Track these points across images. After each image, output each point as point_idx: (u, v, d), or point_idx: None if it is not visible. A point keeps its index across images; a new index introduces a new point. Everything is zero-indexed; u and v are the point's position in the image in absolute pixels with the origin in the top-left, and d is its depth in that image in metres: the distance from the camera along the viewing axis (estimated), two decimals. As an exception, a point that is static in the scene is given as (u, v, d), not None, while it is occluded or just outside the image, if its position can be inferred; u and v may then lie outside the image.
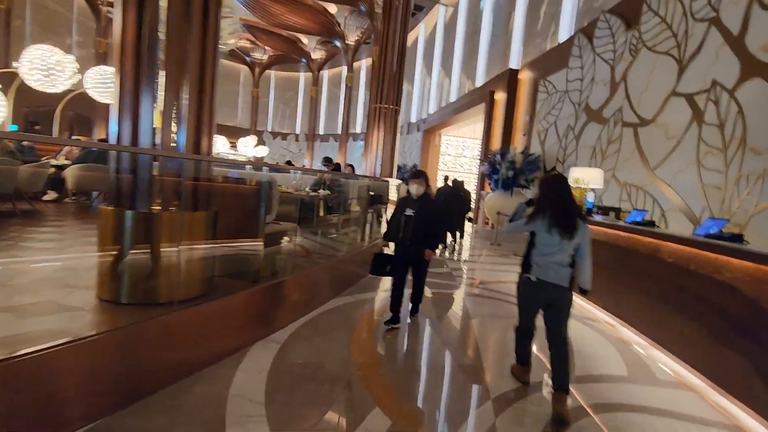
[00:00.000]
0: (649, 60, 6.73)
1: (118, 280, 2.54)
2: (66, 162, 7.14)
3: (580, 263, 2.56)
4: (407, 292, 3.67)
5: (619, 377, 3.06)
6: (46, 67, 7.96)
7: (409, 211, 3.45)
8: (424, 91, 22.27)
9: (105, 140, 4.16)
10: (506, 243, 9.58)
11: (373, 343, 3.31)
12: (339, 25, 21.49)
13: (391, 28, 10.49)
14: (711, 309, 2.87)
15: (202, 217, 2.75)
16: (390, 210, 6.61)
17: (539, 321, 2.68)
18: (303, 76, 32.60)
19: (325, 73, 31.75)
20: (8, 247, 3.85)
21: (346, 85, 24.27)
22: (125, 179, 2.62)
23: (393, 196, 9.28)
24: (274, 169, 5.26)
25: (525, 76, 11.78)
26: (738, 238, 2.89)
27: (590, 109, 8.37)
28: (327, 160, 4.81)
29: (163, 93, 2.72)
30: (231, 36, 14.46)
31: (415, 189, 3.50)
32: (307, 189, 4.34)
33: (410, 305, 3.82)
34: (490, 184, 11.13)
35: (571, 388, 2.53)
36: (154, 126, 2.69)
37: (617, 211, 5.69)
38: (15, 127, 12.18)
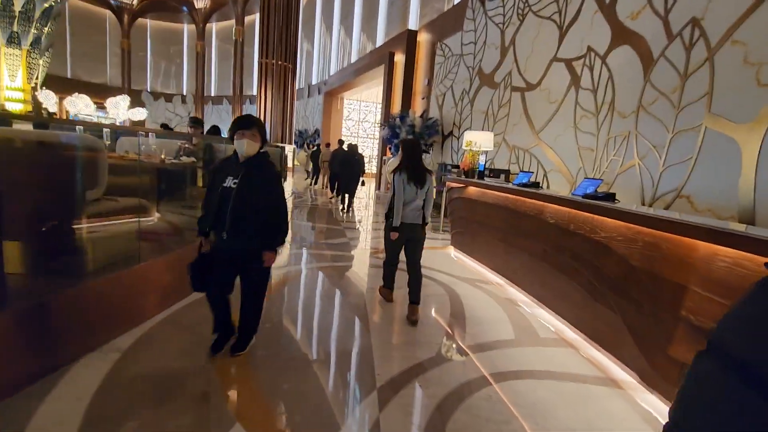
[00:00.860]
0: (535, 25, 6.89)
1: None
2: None
3: (426, 205, 3.36)
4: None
5: (508, 341, 3.05)
6: None
7: (229, 182, 2.26)
8: (324, 52, 21.05)
9: None
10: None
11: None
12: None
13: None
14: (587, 267, 2.96)
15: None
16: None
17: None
18: (187, 29, 28.65)
19: (213, 27, 28.28)
20: None
21: (236, 39, 21.87)
22: None
23: (288, 165, 8.57)
24: (119, 131, 4.27)
25: (423, 38, 11.58)
26: (611, 196, 2.98)
27: (483, 74, 8.48)
28: (194, 121, 4.01)
29: None
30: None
31: (246, 146, 2.27)
32: (168, 157, 3.56)
33: (233, 338, 2.52)
34: (390, 148, 10.96)
35: (473, 357, 2.75)
36: None
37: (506, 174, 5.88)
38: None
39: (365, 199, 11.99)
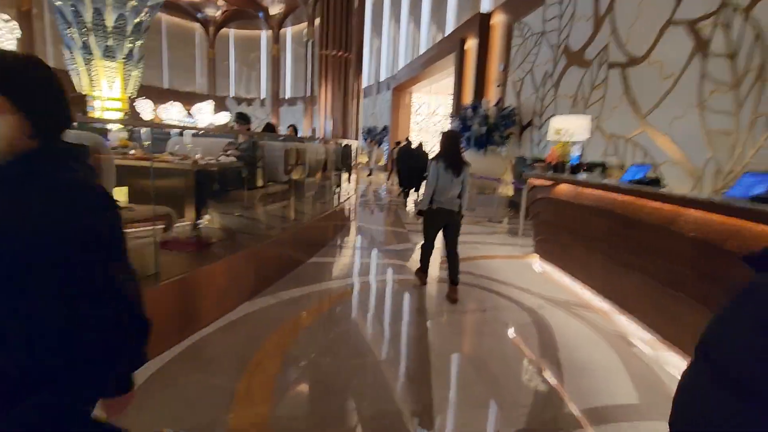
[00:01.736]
0: (642, -17, 5.61)
1: None
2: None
3: (464, 194, 3.49)
4: None
5: (630, 408, 2.18)
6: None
7: None
8: (393, 47, 20.54)
9: None
10: (482, 207, 8.68)
11: (273, 378, 2.32)
12: (295, -29, 19.25)
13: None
14: None
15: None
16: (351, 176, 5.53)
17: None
18: (265, 35, 30.01)
19: (288, 31, 29.28)
20: None
21: (306, 40, 22.23)
22: None
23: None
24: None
25: (498, 20, 10.48)
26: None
27: (570, 51, 7.27)
28: (240, 117, 3.65)
29: None
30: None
31: None
32: (209, 157, 3.19)
33: None
34: (461, 142, 10.08)
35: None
36: None
37: (602, 167, 4.75)
38: None
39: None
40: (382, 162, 19.68)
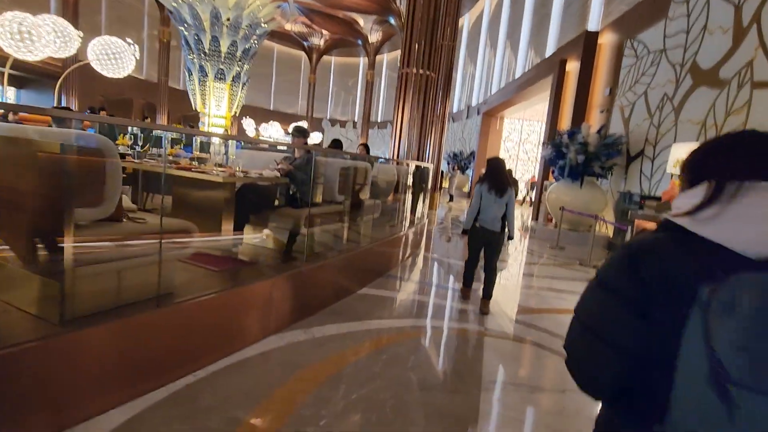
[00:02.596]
0: (809, -18, 4.40)
1: None
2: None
3: (509, 217, 3.71)
4: None
5: None
6: (110, 53, 7.78)
7: None
8: (488, 71, 19.92)
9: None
10: (571, 246, 7.54)
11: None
12: (395, 0, 19.81)
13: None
14: None
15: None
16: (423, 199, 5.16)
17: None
18: (363, 62, 31.55)
19: (384, 57, 30.45)
20: None
21: (400, 65, 22.66)
22: None
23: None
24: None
25: (606, 40, 9.38)
26: None
27: (699, 70, 6.05)
28: (297, 131, 3.42)
29: None
30: (270, 15, 13.72)
31: None
32: (245, 170, 2.96)
33: None
34: (553, 171, 9.01)
35: None
36: None
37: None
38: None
39: (517, 231, 10.20)
40: (466, 188, 18.90)
